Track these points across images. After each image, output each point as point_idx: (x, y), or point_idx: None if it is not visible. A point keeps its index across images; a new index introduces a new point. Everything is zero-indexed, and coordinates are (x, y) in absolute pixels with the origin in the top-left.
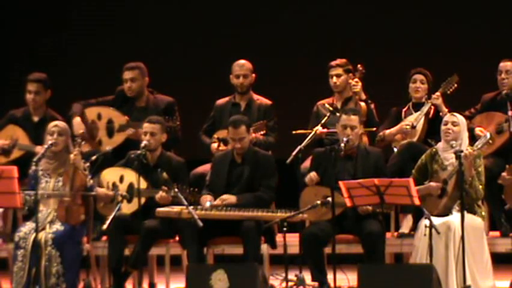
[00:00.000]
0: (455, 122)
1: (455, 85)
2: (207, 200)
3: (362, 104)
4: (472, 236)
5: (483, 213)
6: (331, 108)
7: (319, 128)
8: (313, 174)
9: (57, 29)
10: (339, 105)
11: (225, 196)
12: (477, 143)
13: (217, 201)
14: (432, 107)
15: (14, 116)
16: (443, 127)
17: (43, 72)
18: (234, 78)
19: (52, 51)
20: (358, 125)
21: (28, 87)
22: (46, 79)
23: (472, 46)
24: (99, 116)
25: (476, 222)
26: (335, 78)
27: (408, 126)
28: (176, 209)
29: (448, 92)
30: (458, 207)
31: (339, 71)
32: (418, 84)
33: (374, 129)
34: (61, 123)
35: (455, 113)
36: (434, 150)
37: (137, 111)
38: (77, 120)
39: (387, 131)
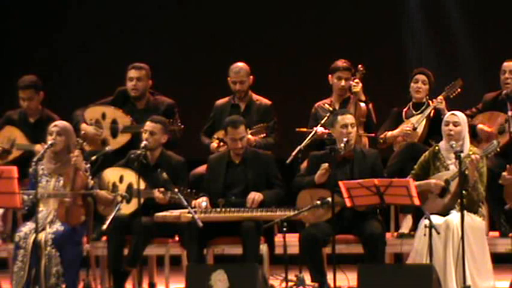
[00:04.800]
0: (457, 122)
1: (459, 89)
2: (201, 202)
3: (362, 104)
4: (472, 236)
5: (483, 212)
6: (331, 108)
7: (320, 129)
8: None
9: (55, 29)
10: (337, 106)
11: (251, 195)
12: (485, 149)
13: (248, 202)
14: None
15: (11, 118)
16: (444, 128)
17: (42, 73)
18: (231, 83)
19: (51, 52)
20: (355, 124)
21: (20, 95)
22: (36, 82)
23: (473, 47)
24: (103, 116)
25: (476, 222)
26: (343, 81)
27: (409, 129)
28: (175, 213)
29: (451, 96)
30: (458, 207)
31: (349, 74)
32: (420, 85)
33: (373, 134)
34: (61, 123)
35: (455, 112)
36: (436, 148)
37: (137, 113)
38: (84, 125)
39: (389, 134)
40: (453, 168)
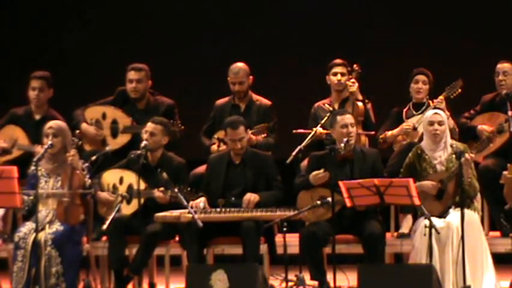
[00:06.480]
0: (441, 121)
1: (459, 90)
2: (199, 203)
3: (359, 104)
4: (470, 232)
5: (477, 205)
6: (331, 108)
7: (319, 129)
8: (315, 173)
9: (58, 29)
10: (336, 106)
11: (247, 196)
12: (478, 146)
13: (244, 204)
14: None
15: (16, 114)
16: (429, 127)
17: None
18: (230, 83)
19: (53, 52)
20: (354, 124)
21: (32, 84)
22: (49, 77)
23: (472, 47)
24: (104, 116)
25: (472, 217)
26: (339, 75)
27: (409, 128)
28: (175, 213)
29: (452, 96)
30: (454, 205)
31: (344, 69)
32: (420, 85)
33: (373, 132)
34: (55, 124)
35: (437, 111)
36: (419, 149)
37: (137, 113)
38: (84, 125)
39: (389, 133)
40: (441, 168)
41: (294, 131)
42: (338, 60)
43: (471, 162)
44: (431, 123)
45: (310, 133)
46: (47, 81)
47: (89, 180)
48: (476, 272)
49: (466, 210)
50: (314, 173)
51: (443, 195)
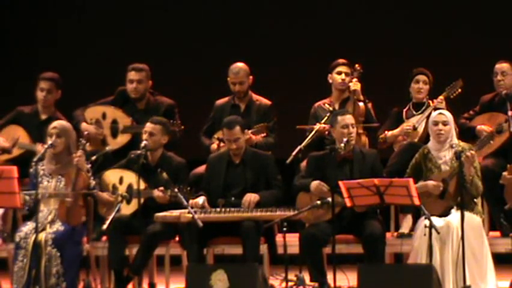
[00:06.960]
0: (446, 121)
1: (459, 90)
2: (198, 201)
3: (360, 104)
4: (471, 236)
5: (480, 208)
6: (331, 108)
7: (320, 125)
8: (319, 183)
9: (58, 28)
10: (337, 106)
11: (247, 197)
12: (478, 143)
13: (244, 205)
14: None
15: (22, 112)
16: (433, 127)
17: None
18: (230, 84)
19: (53, 52)
20: (355, 124)
21: (40, 85)
22: (58, 79)
23: (472, 47)
24: (104, 116)
25: (475, 221)
26: (343, 75)
27: (409, 128)
28: (175, 213)
29: (452, 96)
30: (456, 206)
31: (348, 69)
32: (421, 85)
33: (377, 124)
34: (59, 124)
35: (442, 111)
36: (426, 149)
37: (137, 113)
38: (84, 125)
39: (390, 133)
40: (445, 168)
41: (297, 126)
42: (342, 60)
43: (473, 161)
44: (436, 123)
45: (313, 129)
46: (55, 83)
47: (94, 182)
48: (476, 274)
49: (469, 214)
50: (318, 183)
51: (445, 194)
